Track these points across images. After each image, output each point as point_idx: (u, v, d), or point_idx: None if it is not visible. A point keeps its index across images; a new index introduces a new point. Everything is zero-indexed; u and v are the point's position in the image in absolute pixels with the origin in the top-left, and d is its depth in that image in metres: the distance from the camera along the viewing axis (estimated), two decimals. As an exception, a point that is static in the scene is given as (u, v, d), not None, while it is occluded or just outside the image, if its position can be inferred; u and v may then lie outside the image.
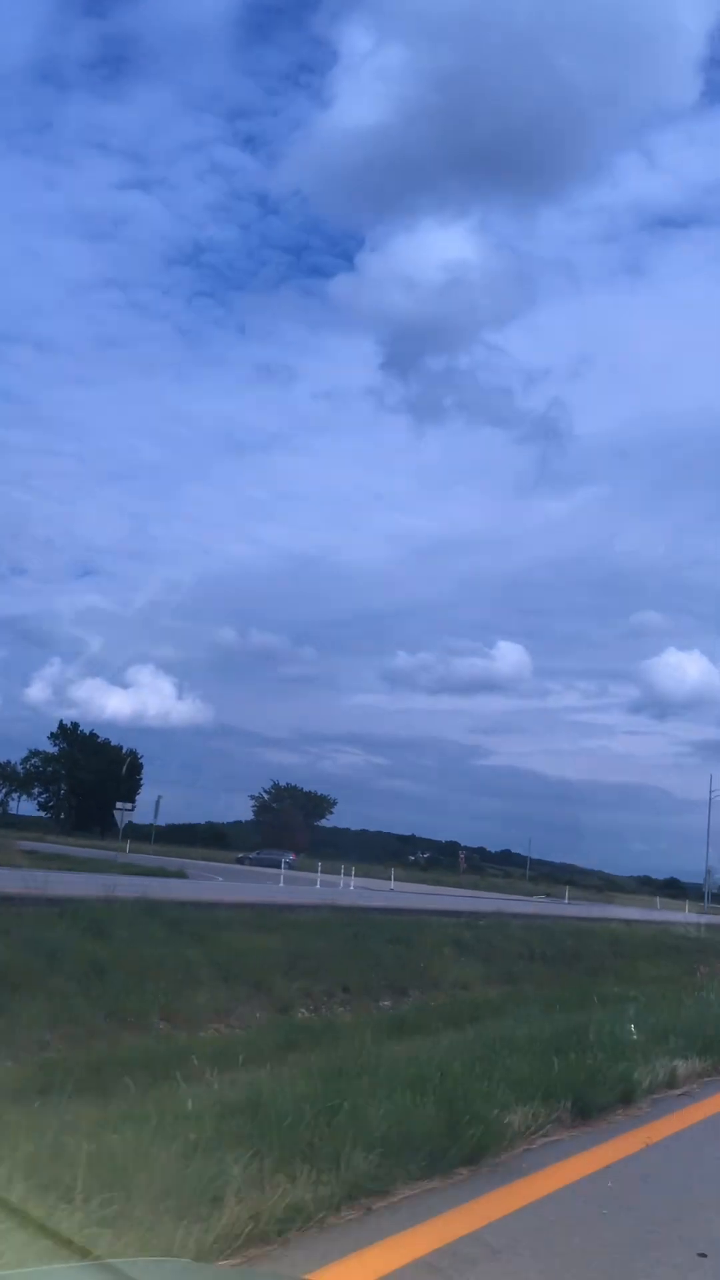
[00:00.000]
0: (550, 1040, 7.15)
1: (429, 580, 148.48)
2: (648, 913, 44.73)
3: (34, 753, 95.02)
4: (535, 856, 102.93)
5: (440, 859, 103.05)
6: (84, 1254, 2.82)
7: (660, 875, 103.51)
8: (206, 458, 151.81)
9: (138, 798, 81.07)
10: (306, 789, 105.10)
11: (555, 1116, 5.16)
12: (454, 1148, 4.15)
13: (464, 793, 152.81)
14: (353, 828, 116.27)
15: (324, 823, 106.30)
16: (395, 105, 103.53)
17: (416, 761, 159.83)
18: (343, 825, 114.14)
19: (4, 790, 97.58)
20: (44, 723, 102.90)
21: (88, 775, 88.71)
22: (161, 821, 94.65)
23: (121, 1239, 3.06)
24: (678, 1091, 6.75)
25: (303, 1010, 12.14)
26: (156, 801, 57.33)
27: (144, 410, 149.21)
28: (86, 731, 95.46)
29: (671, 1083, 6.77)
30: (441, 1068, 5.12)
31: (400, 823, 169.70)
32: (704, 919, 43.53)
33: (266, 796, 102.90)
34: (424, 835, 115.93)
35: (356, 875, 46.30)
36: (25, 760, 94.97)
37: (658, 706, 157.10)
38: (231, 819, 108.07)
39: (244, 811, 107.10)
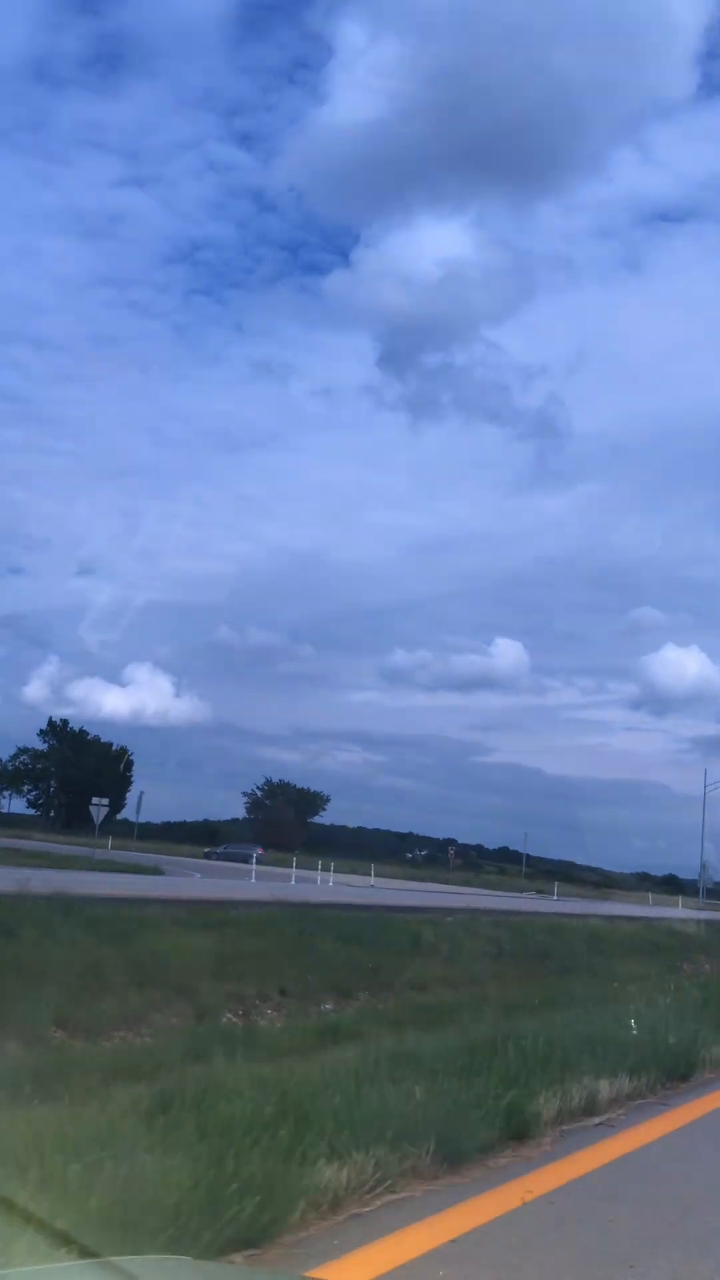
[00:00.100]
0: (461, 1054, 6.09)
1: (427, 577, 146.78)
2: (640, 909, 43.71)
3: (22, 750, 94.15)
4: (533, 854, 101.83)
5: (437, 856, 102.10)
6: (84, 1252, 2.64)
7: (659, 872, 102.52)
8: (203, 455, 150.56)
9: (128, 795, 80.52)
10: (300, 786, 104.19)
11: (408, 1165, 4.06)
12: (208, 1230, 3.04)
13: (463, 790, 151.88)
14: (351, 825, 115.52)
15: (321, 820, 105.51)
16: (391, 101, 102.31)
17: (415, 759, 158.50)
18: (340, 823, 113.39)
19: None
20: (39, 720, 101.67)
21: (77, 772, 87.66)
22: (158, 819, 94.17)
23: None
24: (596, 1120, 5.59)
25: (229, 1015, 11.08)
26: (138, 798, 56.25)
27: (141, 408, 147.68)
28: (76, 728, 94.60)
29: (591, 1108, 5.64)
30: (282, 1101, 4.06)
31: (399, 820, 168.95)
32: (698, 915, 42.59)
33: (259, 793, 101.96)
34: (423, 833, 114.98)
35: (339, 872, 45.22)
36: (14, 757, 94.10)
37: (656, 703, 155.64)
38: (229, 816, 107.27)
39: (239, 809, 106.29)
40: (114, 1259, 2.24)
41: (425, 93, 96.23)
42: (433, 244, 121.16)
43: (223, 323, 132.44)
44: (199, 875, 36.68)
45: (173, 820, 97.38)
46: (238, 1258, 3.15)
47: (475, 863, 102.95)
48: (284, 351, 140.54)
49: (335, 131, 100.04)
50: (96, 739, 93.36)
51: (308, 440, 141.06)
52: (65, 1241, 2.66)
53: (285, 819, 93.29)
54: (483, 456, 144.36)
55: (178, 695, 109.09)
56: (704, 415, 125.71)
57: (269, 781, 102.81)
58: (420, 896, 30.42)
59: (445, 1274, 3.23)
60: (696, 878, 67.24)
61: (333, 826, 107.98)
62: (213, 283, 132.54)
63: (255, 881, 30.17)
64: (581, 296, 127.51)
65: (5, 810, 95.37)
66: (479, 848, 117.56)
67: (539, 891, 59.29)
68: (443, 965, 15.77)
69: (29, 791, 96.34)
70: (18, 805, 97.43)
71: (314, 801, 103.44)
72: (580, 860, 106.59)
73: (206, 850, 65.23)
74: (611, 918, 26.41)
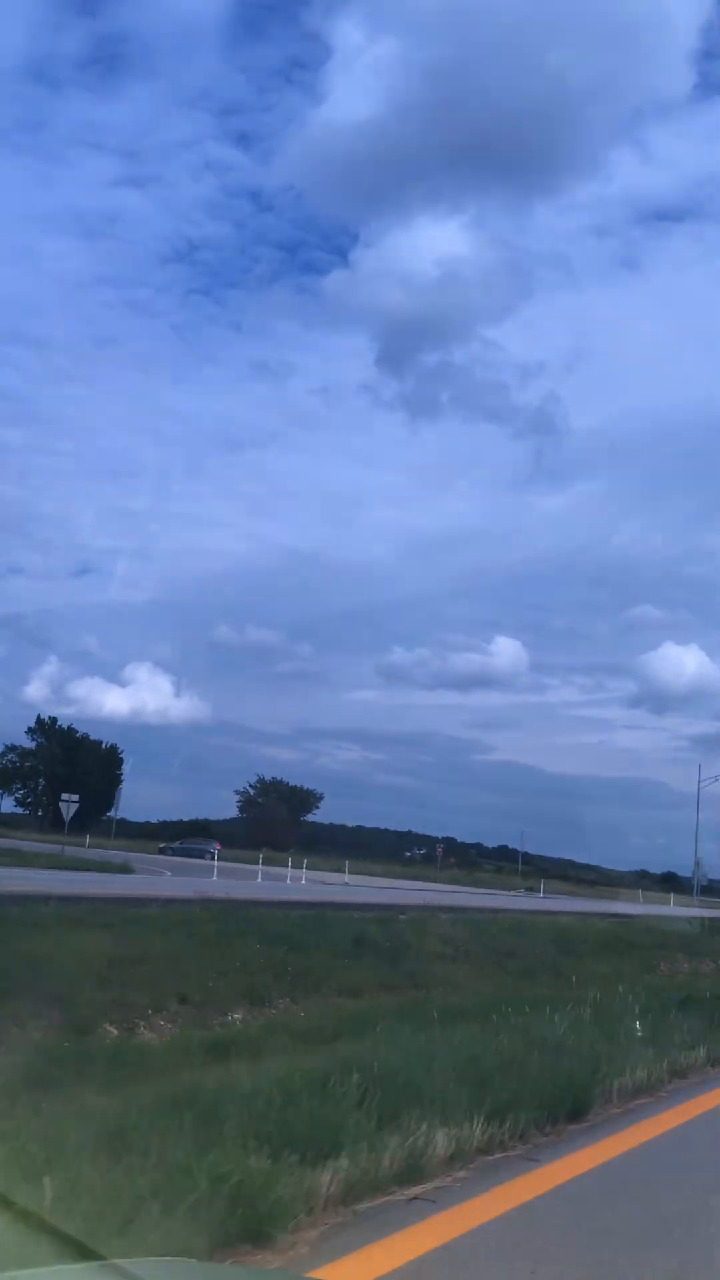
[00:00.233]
0: (297, 1088, 4.71)
1: (425, 576, 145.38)
2: (629, 907, 42.33)
3: (10, 748, 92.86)
4: (532, 852, 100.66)
5: (434, 855, 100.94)
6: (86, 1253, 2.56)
7: (658, 869, 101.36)
8: (203, 454, 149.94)
9: (119, 793, 79.27)
10: (293, 783, 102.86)
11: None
12: None
13: (462, 788, 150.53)
14: (350, 824, 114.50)
15: (318, 818, 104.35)
16: (388, 100, 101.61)
17: (414, 757, 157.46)
18: (339, 821, 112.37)
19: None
20: (31, 719, 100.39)
21: (66, 770, 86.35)
22: (155, 818, 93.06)
23: None
24: (410, 1193, 3.86)
25: (109, 1027, 9.70)
26: (116, 794, 54.82)
27: (140, 408, 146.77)
28: (65, 726, 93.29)
29: (412, 1174, 3.97)
30: None
31: (398, 818, 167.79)
32: (689, 912, 41.26)
33: (252, 791, 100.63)
34: (421, 831, 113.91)
35: (321, 870, 43.77)
36: (1, 755, 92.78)
37: (655, 701, 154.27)
38: (224, 815, 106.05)
39: (234, 807, 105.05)
40: (115, 1261, 2.23)
41: (423, 92, 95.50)
42: (431, 243, 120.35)
43: (221, 322, 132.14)
44: (169, 873, 35.36)
45: (169, 819, 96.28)
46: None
47: (473, 861, 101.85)
48: (282, 351, 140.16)
49: (333, 131, 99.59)
50: (86, 737, 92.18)
51: (306, 439, 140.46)
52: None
53: (278, 817, 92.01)
54: (481, 455, 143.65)
55: (177, 694, 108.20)
56: (702, 412, 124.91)
57: (262, 779, 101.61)
58: (390, 894, 28.98)
59: None
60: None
61: (331, 825, 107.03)
62: (211, 282, 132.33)
63: (216, 879, 28.77)
64: (579, 295, 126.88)
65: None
66: (478, 846, 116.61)
67: (528, 889, 57.87)
68: (386, 967, 14.41)
69: (18, 790, 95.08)
70: (8, 804, 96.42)
71: (307, 799, 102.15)
72: (579, 858, 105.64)
73: (161, 846, 62.75)
74: (584, 915, 24.97)
